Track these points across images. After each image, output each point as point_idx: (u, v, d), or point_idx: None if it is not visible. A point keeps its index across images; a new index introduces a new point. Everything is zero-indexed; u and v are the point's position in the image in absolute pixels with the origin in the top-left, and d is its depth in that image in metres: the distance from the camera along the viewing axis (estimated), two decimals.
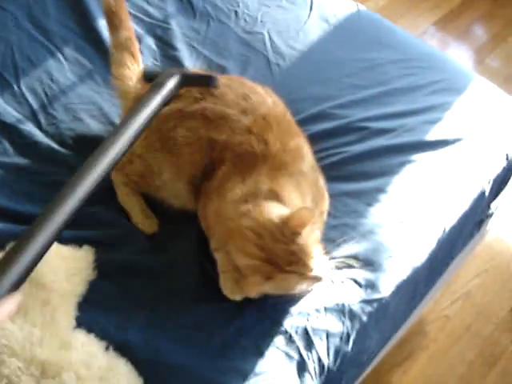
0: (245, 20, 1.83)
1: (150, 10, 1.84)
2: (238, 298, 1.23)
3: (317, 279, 1.18)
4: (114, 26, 1.52)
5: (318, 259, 1.17)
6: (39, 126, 1.56)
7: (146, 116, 1.17)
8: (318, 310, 1.25)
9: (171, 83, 1.28)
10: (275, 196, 1.22)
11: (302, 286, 1.20)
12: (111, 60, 1.53)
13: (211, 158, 1.33)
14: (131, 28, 1.55)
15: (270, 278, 1.14)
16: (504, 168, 1.59)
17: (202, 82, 1.38)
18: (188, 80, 1.36)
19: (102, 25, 1.77)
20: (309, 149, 1.38)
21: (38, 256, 0.91)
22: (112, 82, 1.52)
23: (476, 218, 1.64)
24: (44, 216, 0.95)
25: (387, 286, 1.32)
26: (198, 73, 1.50)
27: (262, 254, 1.15)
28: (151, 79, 1.34)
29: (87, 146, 1.51)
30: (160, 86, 1.26)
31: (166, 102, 1.26)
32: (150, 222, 1.38)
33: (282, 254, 1.14)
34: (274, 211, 1.18)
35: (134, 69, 1.51)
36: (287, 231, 1.14)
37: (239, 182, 1.26)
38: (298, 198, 1.26)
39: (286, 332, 1.22)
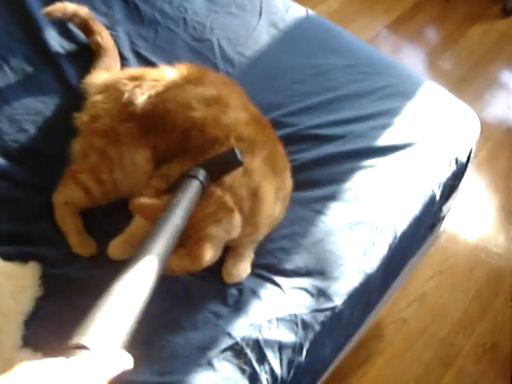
0: (193, 27, 1.80)
1: (97, 17, 1.79)
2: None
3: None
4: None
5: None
6: None
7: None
8: (269, 321, 1.24)
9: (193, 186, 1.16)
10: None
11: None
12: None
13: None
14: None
15: None
16: (454, 172, 1.60)
17: (227, 163, 1.24)
18: (211, 169, 1.22)
19: (50, 35, 1.74)
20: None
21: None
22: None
23: (428, 221, 1.65)
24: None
25: (339, 294, 1.31)
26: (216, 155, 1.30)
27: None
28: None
29: (33, 158, 1.49)
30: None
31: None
32: (87, 244, 1.34)
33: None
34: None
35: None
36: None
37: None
38: (273, 202, 1.30)
39: (237, 344, 1.20)
